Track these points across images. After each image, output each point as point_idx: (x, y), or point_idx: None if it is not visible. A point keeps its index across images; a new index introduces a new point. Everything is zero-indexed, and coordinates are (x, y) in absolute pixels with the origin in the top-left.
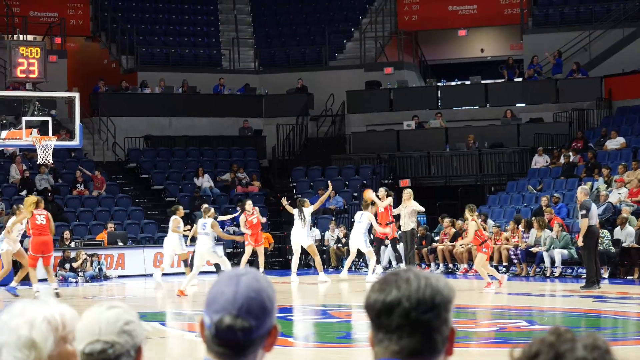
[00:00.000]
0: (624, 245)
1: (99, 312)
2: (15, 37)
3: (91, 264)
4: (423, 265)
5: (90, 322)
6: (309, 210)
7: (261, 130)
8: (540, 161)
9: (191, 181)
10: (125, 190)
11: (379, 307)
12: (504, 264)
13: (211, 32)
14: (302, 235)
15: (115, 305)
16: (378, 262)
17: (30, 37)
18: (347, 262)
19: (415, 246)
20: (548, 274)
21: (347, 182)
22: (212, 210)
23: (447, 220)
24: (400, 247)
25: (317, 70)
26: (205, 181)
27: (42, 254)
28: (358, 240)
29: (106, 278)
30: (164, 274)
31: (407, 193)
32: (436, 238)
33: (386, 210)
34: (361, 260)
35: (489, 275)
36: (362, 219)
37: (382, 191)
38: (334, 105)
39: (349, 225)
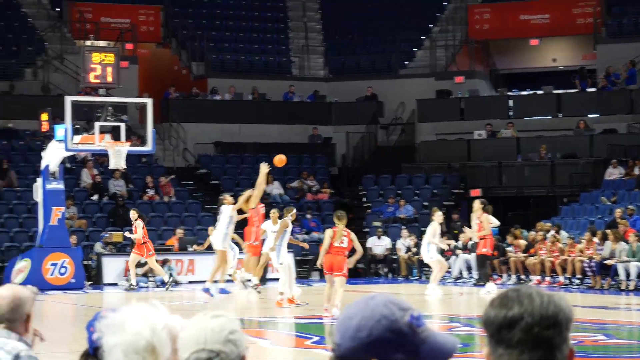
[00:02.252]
0: None
1: (203, 321)
2: (88, 43)
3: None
4: (495, 277)
5: (195, 331)
6: (228, 208)
7: (331, 138)
8: (614, 173)
9: None
10: (195, 196)
11: (500, 322)
12: (578, 276)
13: (281, 39)
14: (217, 237)
15: (220, 314)
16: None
17: (102, 43)
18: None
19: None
20: (623, 287)
21: (417, 192)
22: None
23: (518, 232)
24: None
25: (387, 79)
26: (275, 188)
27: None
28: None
29: (176, 283)
30: None
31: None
32: (508, 249)
33: (478, 225)
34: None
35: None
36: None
37: (477, 203)
38: (404, 113)
39: (420, 235)
